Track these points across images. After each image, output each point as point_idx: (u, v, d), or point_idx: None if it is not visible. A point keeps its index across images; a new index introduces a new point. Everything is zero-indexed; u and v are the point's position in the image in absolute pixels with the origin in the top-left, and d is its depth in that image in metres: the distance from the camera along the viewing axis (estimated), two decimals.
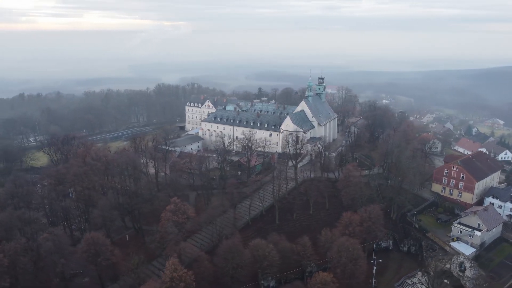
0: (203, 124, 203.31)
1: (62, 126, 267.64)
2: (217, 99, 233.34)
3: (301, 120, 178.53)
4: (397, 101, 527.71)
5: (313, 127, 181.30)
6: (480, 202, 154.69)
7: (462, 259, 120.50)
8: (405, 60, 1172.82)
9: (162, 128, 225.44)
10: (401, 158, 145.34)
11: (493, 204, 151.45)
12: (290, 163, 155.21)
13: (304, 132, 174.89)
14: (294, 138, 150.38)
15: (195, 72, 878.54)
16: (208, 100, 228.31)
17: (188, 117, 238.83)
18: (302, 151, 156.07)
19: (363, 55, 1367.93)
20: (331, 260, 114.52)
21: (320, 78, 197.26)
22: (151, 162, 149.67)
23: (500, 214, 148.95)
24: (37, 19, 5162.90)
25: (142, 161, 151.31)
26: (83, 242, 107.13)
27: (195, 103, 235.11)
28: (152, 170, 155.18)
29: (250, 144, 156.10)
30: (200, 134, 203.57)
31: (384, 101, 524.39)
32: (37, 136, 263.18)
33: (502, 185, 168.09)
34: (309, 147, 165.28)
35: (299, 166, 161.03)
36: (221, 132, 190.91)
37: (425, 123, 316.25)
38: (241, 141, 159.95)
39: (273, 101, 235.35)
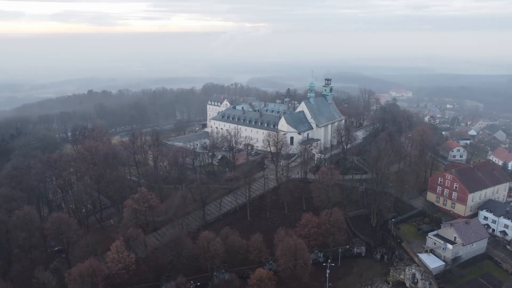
0: (212, 122, 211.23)
1: (110, 120, 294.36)
2: (235, 98, 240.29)
3: (298, 121, 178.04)
4: (462, 106, 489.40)
5: (311, 128, 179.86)
6: (475, 215, 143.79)
7: (414, 270, 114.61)
8: (495, 62, 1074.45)
9: (176, 124, 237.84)
10: (380, 164, 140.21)
11: (486, 218, 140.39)
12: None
13: (299, 133, 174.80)
14: (273, 138, 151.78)
15: (268, 73, 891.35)
16: (225, 100, 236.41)
17: (209, 115, 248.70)
18: (285, 151, 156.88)
19: (451, 56, 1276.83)
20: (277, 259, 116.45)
21: (326, 79, 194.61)
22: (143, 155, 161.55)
23: (494, 229, 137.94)
24: (131, 22, 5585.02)
25: (135, 154, 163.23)
26: (49, 221, 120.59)
27: (215, 102, 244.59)
28: (151, 163, 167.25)
29: (235, 141, 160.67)
30: (209, 131, 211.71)
31: (448, 105, 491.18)
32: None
33: None
34: (295, 147, 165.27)
35: (292, 165, 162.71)
36: (227, 130, 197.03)
37: (471, 130, 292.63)
38: (226, 138, 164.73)
39: (295, 102, 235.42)
